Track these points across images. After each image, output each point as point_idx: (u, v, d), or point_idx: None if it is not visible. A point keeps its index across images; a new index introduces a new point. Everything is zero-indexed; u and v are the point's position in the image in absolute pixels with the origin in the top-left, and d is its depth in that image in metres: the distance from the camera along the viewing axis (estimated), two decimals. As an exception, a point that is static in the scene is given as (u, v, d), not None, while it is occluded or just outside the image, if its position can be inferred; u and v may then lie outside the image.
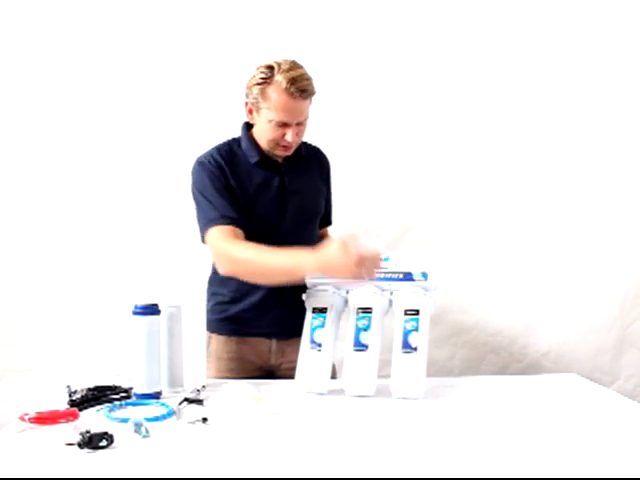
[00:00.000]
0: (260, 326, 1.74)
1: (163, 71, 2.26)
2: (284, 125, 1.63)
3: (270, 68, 1.61)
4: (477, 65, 2.33)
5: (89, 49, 2.24)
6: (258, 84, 1.62)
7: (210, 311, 1.80)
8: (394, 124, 2.32)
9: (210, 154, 1.70)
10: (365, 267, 1.40)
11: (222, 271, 1.61)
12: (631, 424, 1.33)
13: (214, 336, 1.79)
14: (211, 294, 1.81)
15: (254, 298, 1.71)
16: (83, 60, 2.24)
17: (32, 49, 2.23)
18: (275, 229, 1.70)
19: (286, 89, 1.58)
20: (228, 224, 1.60)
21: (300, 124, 1.65)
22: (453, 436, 1.23)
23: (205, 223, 1.62)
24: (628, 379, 2.39)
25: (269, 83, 1.60)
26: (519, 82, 2.34)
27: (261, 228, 1.67)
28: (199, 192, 1.66)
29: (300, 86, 1.59)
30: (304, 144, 1.81)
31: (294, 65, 1.62)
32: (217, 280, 1.76)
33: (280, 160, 1.73)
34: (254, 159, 1.70)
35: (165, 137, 2.26)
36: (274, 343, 1.75)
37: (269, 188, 1.70)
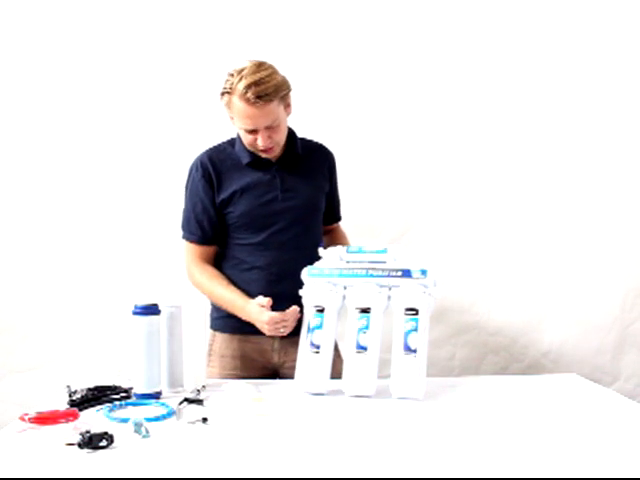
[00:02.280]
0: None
1: (162, 71, 2.25)
2: (253, 131, 1.63)
3: (231, 76, 1.59)
4: (477, 66, 2.33)
5: (88, 50, 2.23)
6: (222, 94, 1.62)
7: (213, 309, 1.81)
8: (394, 124, 2.32)
9: (200, 159, 1.75)
10: (280, 325, 1.59)
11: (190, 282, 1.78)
12: (631, 424, 1.33)
13: (217, 334, 1.80)
14: None
15: (256, 297, 1.71)
16: (82, 61, 2.23)
17: (32, 50, 2.22)
18: (269, 226, 1.72)
19: (242, 95, 1.56)
20: (196, 242, 1.75)
21: (270, 127, 1.62)
22: (453, 436, 1.23)
23: (182, 228, 1.79)
24: (628, 379, 2.39)
25: (230, 92, 1.59)
26: (519, 83, 2.33)
27: (254, 224, 1.71)
28: (184, 195, 1.79)
29: (257, 91, 1.55)
30: (304, 141, 1.81)
31: (254, 69, 1.57)
32: None
33: (273, 160, 1.73)
34: (245, 160, 1.72)
35: (165, 138, 2.26)
36: (277, 342, 1.75)
37: (260, 187, 1.71)
